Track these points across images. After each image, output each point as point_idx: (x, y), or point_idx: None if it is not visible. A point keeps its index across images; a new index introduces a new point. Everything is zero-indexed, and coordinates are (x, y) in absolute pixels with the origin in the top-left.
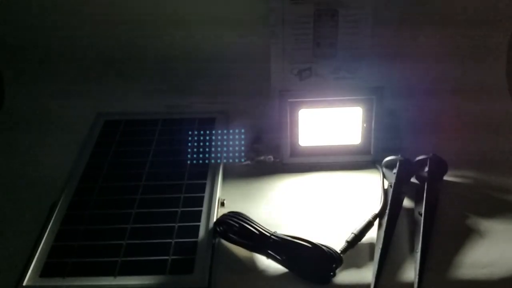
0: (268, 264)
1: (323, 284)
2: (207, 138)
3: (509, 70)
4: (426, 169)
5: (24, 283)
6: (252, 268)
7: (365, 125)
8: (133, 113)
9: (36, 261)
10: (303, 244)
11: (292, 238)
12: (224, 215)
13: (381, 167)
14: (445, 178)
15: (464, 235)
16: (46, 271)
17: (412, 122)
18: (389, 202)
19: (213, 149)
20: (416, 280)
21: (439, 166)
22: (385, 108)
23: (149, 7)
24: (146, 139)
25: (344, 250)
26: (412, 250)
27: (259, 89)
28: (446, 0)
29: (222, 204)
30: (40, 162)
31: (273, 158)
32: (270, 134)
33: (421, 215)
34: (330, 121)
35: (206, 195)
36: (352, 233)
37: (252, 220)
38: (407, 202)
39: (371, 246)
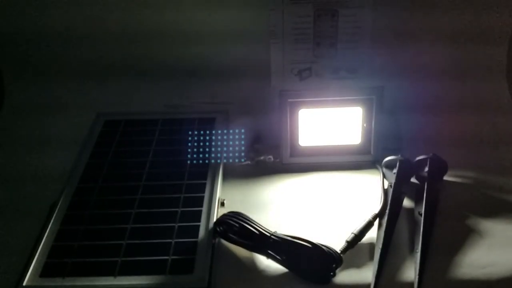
0: (268, 264)
1: (323, 284)
2: (207, 138)
3: (509, 68)
4: (426, 169)
5: (24, 283)
6: (252, 268)
7: (365, 125)
8: (133, 113)
9: (36, 261)
10: (303, 244)
11: (292, 238)
12: (224, 215)
13: (381, 167)
14: (445, 178)
15: (464, 235)
16: (46, 271)
17: (412, 121)
18: (389, 202)
19: (213, 149)
20: (416, 280)
21: (439, 166)
22: (385, 108)
23: (149, 6)
24: (146, 139)
25: (344, 250)
26: (412, 250)
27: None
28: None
29: (222, 204)
30: (40, 162)
31: (273, 158)
32: (270, 134)
33: (421, 215)
34: (330, 121)
35: (206, 195)
36: (352, 233)
37: (252, 220)
38: (407, 202)
39: (371, 246)
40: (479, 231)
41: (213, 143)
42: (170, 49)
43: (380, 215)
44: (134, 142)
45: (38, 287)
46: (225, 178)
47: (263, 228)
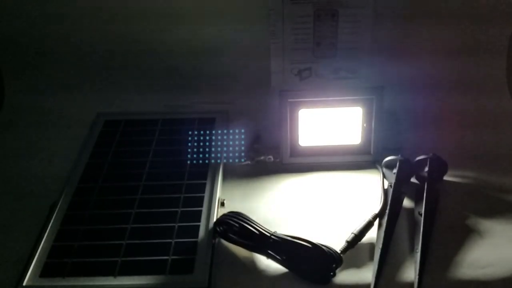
0: (268, 264)
1: (323, 284)
2: (207, 138)
3: (509, 68)
4: (426, 169)
5: (24, 283)
6: (252, 268)
7: (365, 125)
8: (133, 113)
9: (36, 261)
10: (303, 244)
11: (292, 238)
12: (224, 215)
13: (381, 167)
14: (445, 178)
15: (464, 235)
16: (46, 271)
17: (412, 121)
18: (389, 202)
19: (213, 149)
20: (416, 280)
21: (439, 166)
22: (385, 108)
23: (149, 7)
24: (146, 139)
25: (344, 250)
26: (412, 250)
27: (259, 89)
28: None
29: (222, 204)
30: (40, 162)
31: (273, 158)
32: (270, 134)
33: (421, 215)
34: (330, 121)
35: (206, 195)
36: (352, 233)
37: (252, 220)
38: (407, 202)
39: (371, 246)
40: (479, 231)
41: (213, 143)
42: (170, 49)
43: (380, 215)
44: (134, 142)
45: (38, 287)
46: (225, 178)
47: (263, 228)
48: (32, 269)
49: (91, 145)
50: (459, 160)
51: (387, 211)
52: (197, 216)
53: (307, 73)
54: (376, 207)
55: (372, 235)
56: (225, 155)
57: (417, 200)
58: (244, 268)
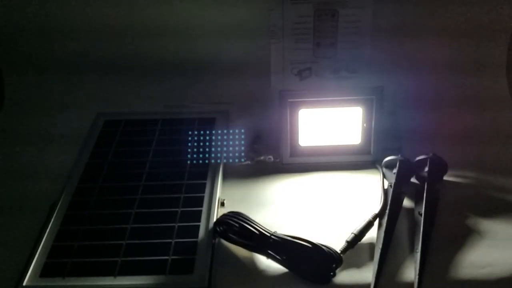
0: (268, 264)
1: (323, 284)
2: (207, 138)
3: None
4: (426, 169)
5: (24, 283)
6: (252, 268)
7: (365, 125)
8: (133, 113)
9: (36, 261)
10: (303, 244)
11: (292, 238)
12: (224, 215)
13: (381, 167)
14: (445, 178)
15: (464, 235)
16: (46, 271)
17: (412, 121)
18: (389, 202)
19: (213, 149)
20: (416, 280)
21: (439, 166)
22: (385, 108)
23: (150, 6)
24: (146, 139)
25: (344, 250)
26: (412, 250)
27: (259, 89)
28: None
29: (222, 204)
30: (40, 162)
31: (273, 158)
32: (270, 134)
33: (421, 215)
34: (330, 121)
35: (206, 195)
36: (352, 233)
37: (252, 220)
38: (407, 202)
39: (371, 246)
40: (479, 231)
41: (213, 143)
42: (170, 49)
43: (380, 215)
44: (134, 142)
45: (38, 287)
46: (225, 178)
47: (263, 228)
48: (32, 269)
49: (91, 145)
50: (459, 160)
51: (387, 211)
52: (197, 216)
53: (307, 73)
54: (376, 207)
55: (372, 235)
56: (225, 155)
57: (417, 200)
58: (244, 268)
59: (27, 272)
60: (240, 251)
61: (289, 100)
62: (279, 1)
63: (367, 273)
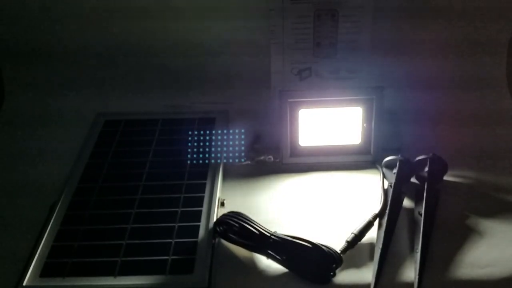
0: (268, 264)
1: (323, 284)
2: (207, 138)
3: (509, 68)
4: (426, 169)
5: (24, 283)
6: (252, 268)
7: (365, 125)
8: (133, 113)
9: (36, 261)
10: (303, 244)
11: (292, 238)
12: (224, 215)
13: (381, 167)
14: (445, 178)
15: (464, 235)
16: (46, 271)
17: (412, 121)
18: (389, 202)
19: (213, 149)
20: (416, 280)
21: (439, 166)
22: (385, 108)
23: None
24: (146, 139)
25: (344, 250)
26: (412, 250)
27: (259, 89)
28: None
29: (222, 204)
30: (40, 162)
31: (273, 158)
32: (270, 134)
33: (421, 215)
34: (330, 121)
35: (206, 195)
36: (352, 233)
37: (252, 220)
38: (407, 202)
39: (371, 246)
40: (479, 231)
41: (213, 143)
42: (170, 49)
43: (380, 215)
44: (134, 142)
45: (38, 287)
46: (225, 178)
47: (263, 228)
48: (32, 269)
49: (91, 145)
50: (459, 160)
51: (387, 211)
52: (197, 216)
53: (307, 73)
54: (376, 207)
55: (372, 235)
56: (225, 155)
57: (417, 200)
58: (244, 268)
59: (27, 272)
60: (240, 251)
61: (289, 100)
62: (279, 1)
63: (367, 273)
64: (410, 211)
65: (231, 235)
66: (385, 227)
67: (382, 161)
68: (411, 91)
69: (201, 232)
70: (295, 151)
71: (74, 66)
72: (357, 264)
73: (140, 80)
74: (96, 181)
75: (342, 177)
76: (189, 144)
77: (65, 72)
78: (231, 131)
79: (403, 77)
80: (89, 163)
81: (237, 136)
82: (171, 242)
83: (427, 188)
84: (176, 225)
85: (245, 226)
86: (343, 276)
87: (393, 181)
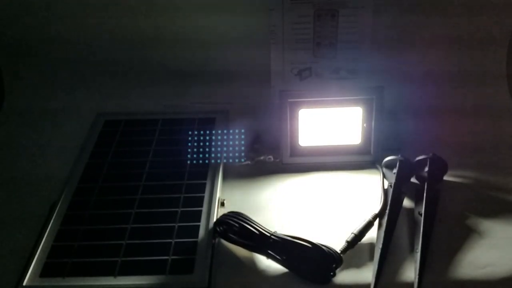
0: (268, 264)
1: (323, 284)
2: (207, 138)
3: (510, 68)
4: (426, 169)
5: (24, 283)
6: (252, 268)
7: (365, 125)
8: (133, 113)
9: (36, 261)
10: (303, 244)
11: (292, 238)
12: (224, 215)
13: (381, 167)
14: (445, 178)
15: (464, 235)
16: (46, 271)
17: (412, 121)
18: (389, 202)
19: (213, 149)
20: (416, 280)
21: (439, 166)
22: (385, 108)
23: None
24: (146, 139)
25: (344, 250)
26: (412, 250)
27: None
28: None
29: (222, 204)
30: (40, 162)
31: (273, 158)
32: (270, 134)
33: (421, 215)
34: (330, 121)
35: (206, 195)
36: (352, 233)
37: (252, 220)
38: (407, 202)
39: (371, 246)
40: (479, 231)
41: (213, 143)
42: (170, 49)
43: (380, 215)
44: (134, 142)
45: (38, 287)
46: (225, 178)
47: (263, 228)
48: (32, 269)
49: (91, 145)
50: (459, 160)
51: (387, 211)
52: (197, 216)
53: (307, 73)
54: (376, 207)
55: (372, 235)
56: (225, 155)
57: (417, 200)
58: (244, 268)
59: (27, 272)
60: (240, 251)
61: (289, 100)
62: (279, 1)
63: (367, 273)
64: (410, 211)
65: (231, 235)
66: (385, 227)
67: (382, 161)
68: (411, 90)
69: (201, 232)
70: (295, 151)
71: (74, 66)
72: (357, 264)
73: (140, 80)
74: (96, 181)
75: (342, 177)
76: (189, 144)
77: (65, 72)
78: (231, 131)
79: (403, 77)
80: (89, 163)
81: (237, 136)
82: (171, 242)
83: (427, 188)
84: (176, 225)
85: (245, 226)
86: (343, 276)
87: (393, 181)
